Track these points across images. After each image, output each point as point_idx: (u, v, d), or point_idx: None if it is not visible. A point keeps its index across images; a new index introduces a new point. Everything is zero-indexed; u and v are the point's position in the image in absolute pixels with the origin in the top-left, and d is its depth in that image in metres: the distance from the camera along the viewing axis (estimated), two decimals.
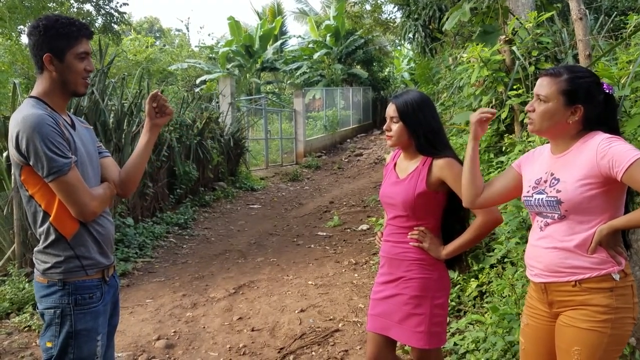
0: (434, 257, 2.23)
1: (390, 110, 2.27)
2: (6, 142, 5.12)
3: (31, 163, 1.78)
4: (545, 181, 1.86)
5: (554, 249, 1.82)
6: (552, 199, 1.81)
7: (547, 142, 2.02)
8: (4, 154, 5.12)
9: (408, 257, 2.25)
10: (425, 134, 2.21)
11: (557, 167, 1.85)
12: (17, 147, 1.77)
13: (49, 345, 1.86)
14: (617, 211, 1.77)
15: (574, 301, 1.79)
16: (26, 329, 4.04)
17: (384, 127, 2.34)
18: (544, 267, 1.86)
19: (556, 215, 1.82)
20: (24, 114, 1.78)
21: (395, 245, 2.30)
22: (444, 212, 2.29)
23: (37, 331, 3.96)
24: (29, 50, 1.91)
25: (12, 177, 4.85)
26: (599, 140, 1.73)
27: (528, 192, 1.94)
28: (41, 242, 1.88)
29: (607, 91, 1.83)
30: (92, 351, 1.90)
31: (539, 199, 1.87)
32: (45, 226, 1.86)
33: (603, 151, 1.70)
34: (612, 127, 1.83)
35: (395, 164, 2.40)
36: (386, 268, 2.36)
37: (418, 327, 2.19)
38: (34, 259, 1.92)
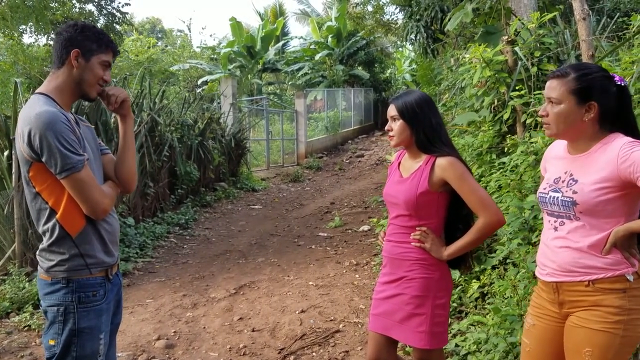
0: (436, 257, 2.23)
1: (390, 110, 2.30)
2: (7, 140, 5.11)
3: (44, 160, 1.77)
4: (563, 181, 1.84)
5: (567, 249, 1.81)
6: (567, 199, 1.79)
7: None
8: (5, 153, 5.11)
9: (410, 257, 2.25)
10: (424, 130, 2.22)
11: (575, 168, 1.83)
12: (29, 144, 1.76)
13: (51, 343, 1.85)
14: (632, 215, 1.76)
15: (586, 301, 1.78)
16: (26, 328, 4.03)
17: (386, 128, 2.36)
18: (557, 267, 1.84)
19: (571, 216, 1.80)
20: (36, 110, 1.77)
21: (397, 245, 2.30)
22: (446, 212, 2.28)
23: (37, 331, 3.95)
24: (54, 46, 1.95)
25: (13, 176, 4.84)
26: (621, 144, 1.71)
27: (545, 189, 1.92)
28: (45, 239, 1.88)
29: (619, 83, 1.79)
30: (95, 349, 1.89)
31: (554, 197, 1.85)
32: (51, 224, 1.85)
33: (625, 155, 1.67)
34: (629, 123, 1.80)
35: (399, 164, 2.41)
36: (388, 268, 2.36)
37: (419, 327, 2.19)
38: (37, 256, 1.92)
